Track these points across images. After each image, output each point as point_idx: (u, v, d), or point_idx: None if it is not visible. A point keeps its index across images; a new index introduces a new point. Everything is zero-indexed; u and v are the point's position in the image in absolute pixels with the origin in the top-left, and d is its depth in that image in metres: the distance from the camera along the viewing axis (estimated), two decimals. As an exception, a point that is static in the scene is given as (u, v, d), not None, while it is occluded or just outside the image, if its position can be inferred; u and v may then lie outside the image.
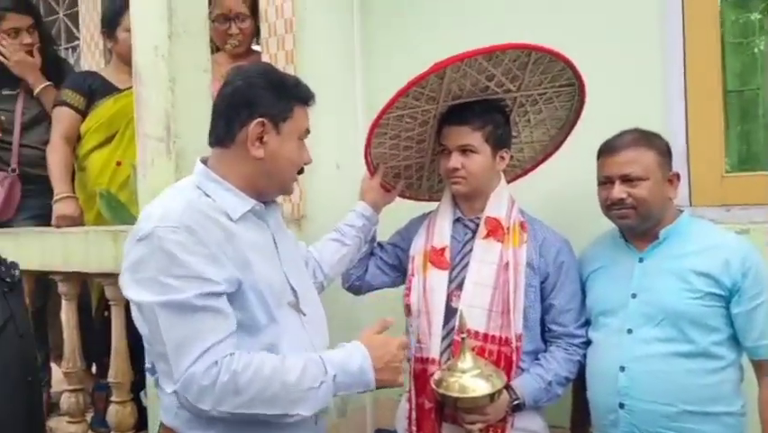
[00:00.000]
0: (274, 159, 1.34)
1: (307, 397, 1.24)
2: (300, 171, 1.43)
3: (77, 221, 2.42)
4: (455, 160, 1.73)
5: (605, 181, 1.67)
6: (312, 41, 2.39)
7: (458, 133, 1.73)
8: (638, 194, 1.61)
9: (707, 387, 1.57)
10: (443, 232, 1.80)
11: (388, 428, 2.30)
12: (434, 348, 1.70)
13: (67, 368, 2.22)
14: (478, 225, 1.77)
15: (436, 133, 1.84)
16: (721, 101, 1.95)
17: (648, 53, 2.03)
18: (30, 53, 2.69)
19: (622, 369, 1.62)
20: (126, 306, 1.71)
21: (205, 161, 1.37)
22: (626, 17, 2.05)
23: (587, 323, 1.77)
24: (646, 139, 1.65)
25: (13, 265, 1.68)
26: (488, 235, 1.73)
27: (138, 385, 2.12)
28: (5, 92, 2.72)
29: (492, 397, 1.57)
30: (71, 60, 4.15)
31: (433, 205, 1.95)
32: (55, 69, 2.80)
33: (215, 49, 2.55)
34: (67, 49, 4.18)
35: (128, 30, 2.26)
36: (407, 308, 1.80)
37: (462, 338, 1.59)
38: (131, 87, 2.19)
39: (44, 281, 2.43)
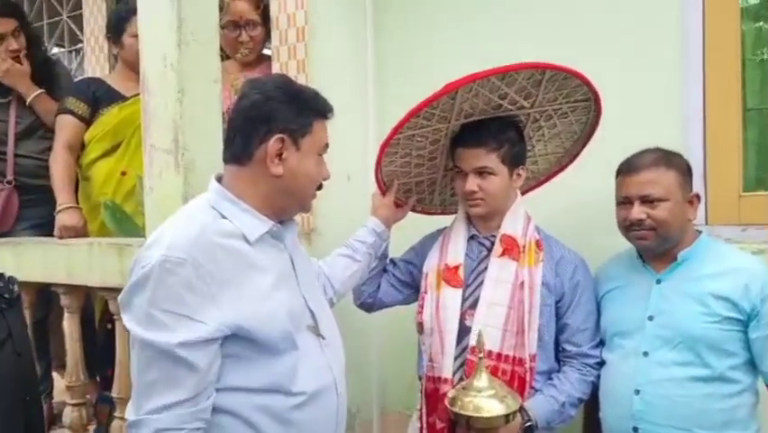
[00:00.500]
0: (293, 176, 1.29)
1: None
2: (319, 188, 1.39)
3: (80, 232, 2.37)
4: (472, 182, 1.70)
5: (624, 201, 1.65)
6: (324, 50, 2.35)
7: (473, 155, 1.70)
8: (658, 215, 1.58)
9: (722, 411, 1.54)
10: (457, 249, 1.77)
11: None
12: (447, 368, 1.68)
13: (70, 382, 2.19)
14: (493, 243, 1.74)
15: (449, 151, 1.81)
16: (740, 119, 1.92)
17: (667, 69, 2.00)
18: (17, 59, 2.55)
19: (637, 392, 1.60)
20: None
21: (219, 179, 1.33)
22: (645, 33, 2.02)
23: (601, 343, 1.74)
24: (667, 159, 1.62)
25: (12, 280, 1.65)
26: (503, 254, 1.71)
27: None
28: None
29: (506, 418, 1.54)
30: (74, 63, 4.10)
31: (445, 219, 1.92)
32: (47, 73, 2.68)
33: (225, 56, 2.49)
34: (70, 51, 4.13)
35: (134, 35, 2.23)
36: (420, 326, 1.77)
37: (480, 358, 1.56)
38: (137, 95, 2.15)
39: (46, 292, 2.38)
